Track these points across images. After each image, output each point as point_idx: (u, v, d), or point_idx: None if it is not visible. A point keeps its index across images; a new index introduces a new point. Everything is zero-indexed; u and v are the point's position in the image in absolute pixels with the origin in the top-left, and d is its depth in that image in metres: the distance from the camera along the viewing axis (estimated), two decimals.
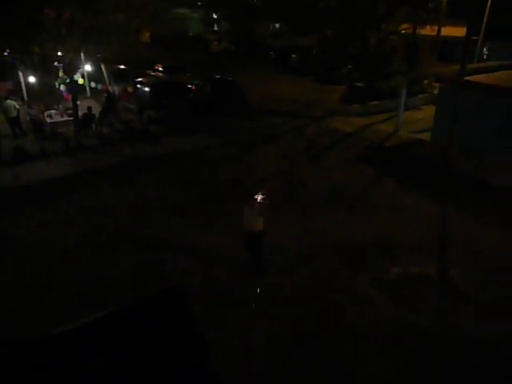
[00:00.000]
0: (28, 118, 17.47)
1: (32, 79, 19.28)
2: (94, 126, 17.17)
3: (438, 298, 8.26)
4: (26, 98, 20.43)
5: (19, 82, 20.59)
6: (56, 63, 16.09)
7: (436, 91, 18.53)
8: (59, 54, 15.65)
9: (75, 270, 8.87)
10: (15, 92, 19.35)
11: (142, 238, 10.13)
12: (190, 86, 21.60)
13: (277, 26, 44.95)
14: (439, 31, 23.92)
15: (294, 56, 31.51)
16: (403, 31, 21.99)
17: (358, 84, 22.06)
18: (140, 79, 20.40)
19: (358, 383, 6.35)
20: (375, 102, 20.83)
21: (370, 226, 10.51)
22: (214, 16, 46.45)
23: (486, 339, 7.05)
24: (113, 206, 11.68)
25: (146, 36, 46.10)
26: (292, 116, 19.88)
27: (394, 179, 13.27)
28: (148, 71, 26.03)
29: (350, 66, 23.54)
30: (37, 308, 7.79)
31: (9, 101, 16.52)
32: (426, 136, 16.39)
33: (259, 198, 8.09)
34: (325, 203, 11.74)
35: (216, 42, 44.52)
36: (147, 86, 19.40)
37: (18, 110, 16.76)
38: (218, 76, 22.65)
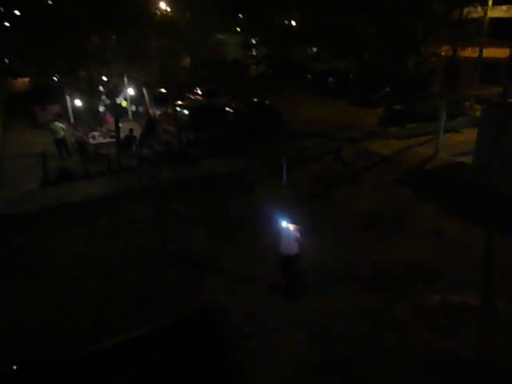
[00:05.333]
0: (73, 140, 18.20)
1: (78, 102, 20.20)
2: (134, 147, 17.67)
3: (482, 328, 7.89)
4: (72, 121, 21.39)
5: (66, 105, 21.63)
6: (101, 87, 16.79)
7: (477, 114, 18.07)
8: (104, 78, 16.34)
9: (108, 286, 9.06)
10: (62, 114, 20.26)
11: (177, 257, 10.25)
12: (228, 109, 21.97)
13: (314, 49, 45.41)
14: (481, 52, 23.46)
15: (331, 79, 31.63)
16: (443, 53, 21.67)
17: (395, 106, 21.84)
18: (180, 102, 20.91)
19: None
20: (414, 125, 20.53)
21: (409, 250, 10.24)
22: (253, 41, 47.41)
23: None
24: (150, 225, 11.92)
25: (187, 61, 47.40)
26: (328, 138, 19.82)
27: (433, 202, 12.92)
28: (188, 95, 26.71)
29: (387, 89, 23.34)
30: (72, 324, 7.95)
31: (57, 123, 17.35)
32: (467, 159, 15.96)
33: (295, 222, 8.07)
34: (362, 226, 11.54)
35: (254, 66, 45.30)
36: (187, 109, 19.85)
37: (65, 132, 17.54)
38: (255, 99, 22.97)
